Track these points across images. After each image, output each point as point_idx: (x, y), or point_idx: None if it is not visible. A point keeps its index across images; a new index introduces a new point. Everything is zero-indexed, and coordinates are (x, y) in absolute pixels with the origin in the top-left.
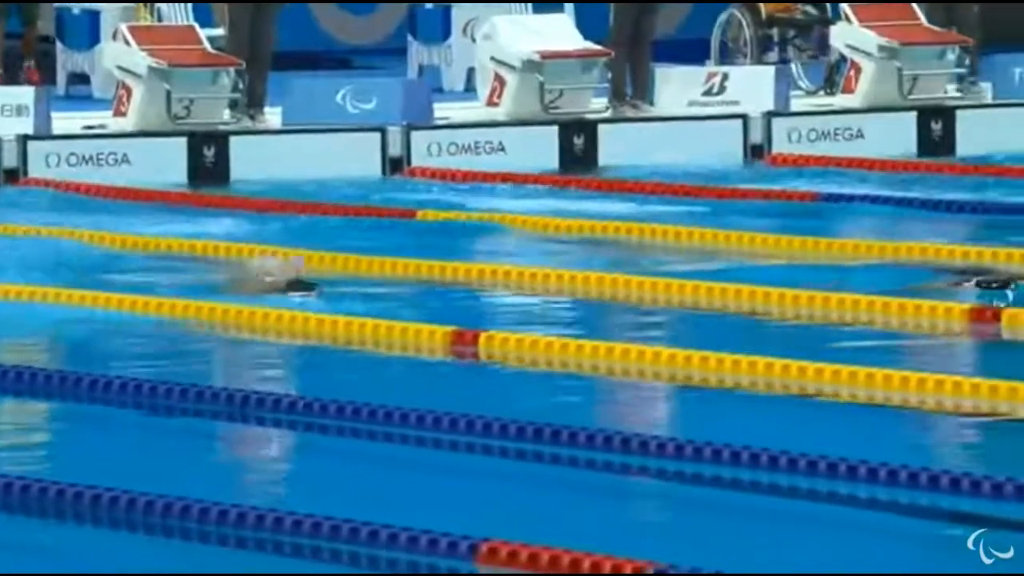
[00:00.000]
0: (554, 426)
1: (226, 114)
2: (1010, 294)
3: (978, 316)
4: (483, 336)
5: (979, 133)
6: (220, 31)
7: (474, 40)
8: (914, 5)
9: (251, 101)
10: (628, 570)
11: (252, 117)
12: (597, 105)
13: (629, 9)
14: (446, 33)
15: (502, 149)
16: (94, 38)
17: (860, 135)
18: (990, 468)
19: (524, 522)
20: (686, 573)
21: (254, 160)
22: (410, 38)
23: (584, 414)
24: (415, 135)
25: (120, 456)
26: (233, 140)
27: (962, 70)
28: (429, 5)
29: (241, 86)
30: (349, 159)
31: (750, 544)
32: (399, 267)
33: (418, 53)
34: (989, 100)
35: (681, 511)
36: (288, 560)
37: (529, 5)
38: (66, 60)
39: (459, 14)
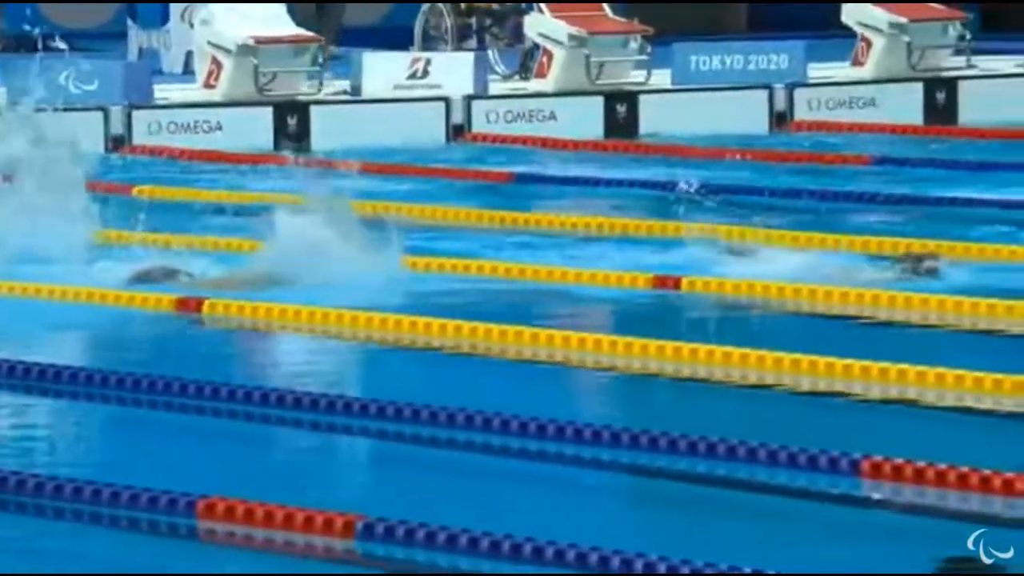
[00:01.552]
0: (264, 388)
1: None
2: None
3: (660, 283)
4: (206, 303)
5: (660, 116)
6: None
7: (192, 25)
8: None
9: None
10: (339, 523)
11: None
12: (310, 87)
13: None
14: (165, 18)
15: (219, 128)
16: None
17: (552, 117)
18: (650, 423)
19: (242, 480)
20: (392, 525)
21: None
22: (130, 22)
23: (296, 376)
24: (136, 114)
25: None
26: None
27: (643, 57)
28: None
29: None
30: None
31: (456, 498)
32: (122, 239)
33: (138, 37)
34: (670, 85)
35: (386, 468)
36: (15, 517)
37: None
38: None
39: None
